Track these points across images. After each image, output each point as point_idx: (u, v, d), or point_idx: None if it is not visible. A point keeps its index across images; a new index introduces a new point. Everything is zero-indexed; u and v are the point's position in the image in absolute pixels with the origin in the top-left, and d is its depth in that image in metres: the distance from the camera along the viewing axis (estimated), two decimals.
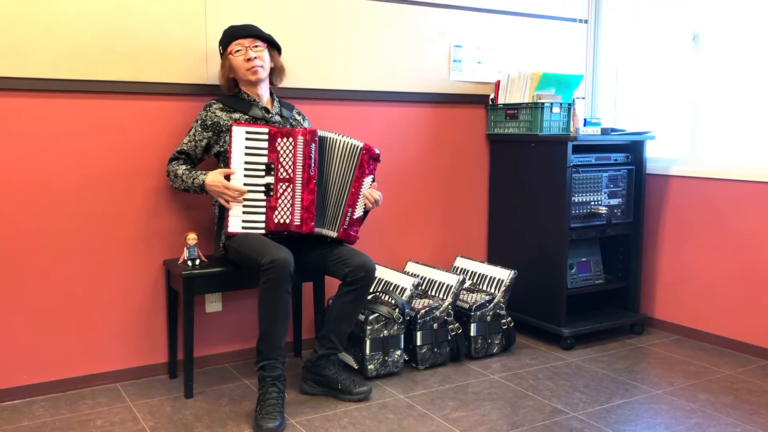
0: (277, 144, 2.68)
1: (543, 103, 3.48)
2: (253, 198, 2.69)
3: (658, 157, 3.79)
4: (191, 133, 2.82)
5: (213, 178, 2.68)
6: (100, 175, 2.87)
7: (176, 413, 2.67)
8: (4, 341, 2.75)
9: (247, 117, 2.82)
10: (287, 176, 2.68)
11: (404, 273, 3.30)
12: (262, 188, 2.69)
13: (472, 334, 3.28)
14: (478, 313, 3.28)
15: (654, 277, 3.83)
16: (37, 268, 2.79)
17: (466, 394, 2.87)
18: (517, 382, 3.01)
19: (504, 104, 3.70)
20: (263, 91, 2.89)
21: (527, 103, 3.56)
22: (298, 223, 2.69)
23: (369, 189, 2.84)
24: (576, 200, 3.48)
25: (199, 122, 2.81)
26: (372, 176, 2.83)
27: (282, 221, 2.68)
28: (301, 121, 3.03)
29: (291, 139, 2.67)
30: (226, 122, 2.78)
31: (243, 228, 2.67)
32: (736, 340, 3.46)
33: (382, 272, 3.35)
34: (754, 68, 3.42)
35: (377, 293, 3.19)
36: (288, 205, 2.68)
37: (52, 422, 2.58)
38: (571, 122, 3.57)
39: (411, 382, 2.99)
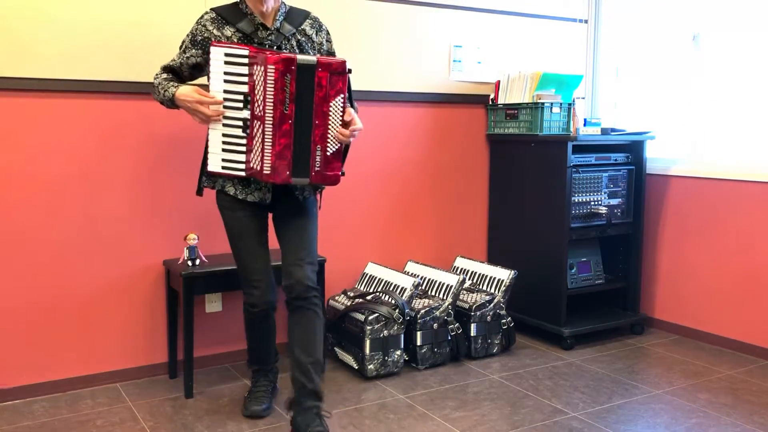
0: (254, 70, 2.26)
1: (543, 103, 3.48)
2: (232, 134, 2.32)
3: (658, 157, 3.79)
4: (181, 49, 2.44)
5: (185, 90, 2.32)
6: (100, 174, 2.87)
7: (176, 413, 2.67)
8: (5, 341, 2.75)
9: (239, 34, 2.38)
10: (259, 113, 2.26)
11: (404, 273, 3.30)
12: (240, 123, 2.31)
13: (472, 334, 3.28)
14: (478, 313, 3.28)
15: (654, 277, 3.83)
16: (37, 268, 2.79)
17: (466, 394, 2.87)
18: (517, 382, 3.01)
19: (504, 104, 3.70)
20: (269, 4, 2.39)
21: (527, 103, 3.56)
22: (269, 172, 2.28)
23: (340, 114, 2.30)
24: (576, 200, 3.49)
25: (190, 37, 2.41)
26: (342, 96, 2.28)
27: (255, 167, 2.30)
28: (313, 36, 2.50)
29: (263, 68, 2.22)
30: (217, 38, 2.37)
31: (223, 168, 2.33)
32: (736, 340, 3.46)
33: (382, 272, 3.35)
34: (754, 68, 3.42)
35: (377, 293, 3.19)
36: (259, 149, 2.28)
37: (52, 422, 2.58)
38: (571, 122, 3.57)
39: (411, 382, 2.99)
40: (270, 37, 2.39)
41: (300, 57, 2.21)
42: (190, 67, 2.43)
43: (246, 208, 2.43)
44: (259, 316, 2.53)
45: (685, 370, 3.18)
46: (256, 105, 2.25)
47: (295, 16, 2.47)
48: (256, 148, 2.27)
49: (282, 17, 2.43)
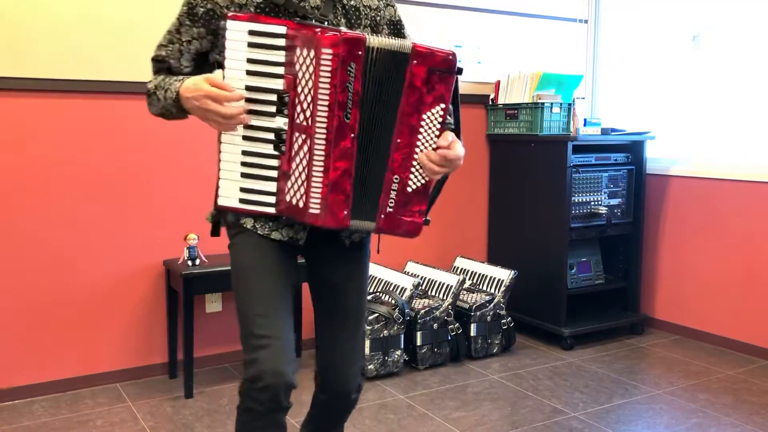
0: (294, 57, 1.48)
1: (543, 103, 3.48)
2: (257, 152, 1.53)
3: (658, 157, 3.79)
4: (172, 28, 1.65)
5: (191, 82, 1.50)
6: (100, 174, 2.87)
7: (176, 413, 2.67)
8: (5, 341, 2.75)
9: (259, 1, 1.56)
10: (304, 121, 1.49)
11: (404, 273, 3.30)
12: (271, 136, 1.52)
13: (472, 334, 3.28)
14: (478, 313, 3.28)
15: (654, 277, 3.83)
16: (37, 268, 2.79)
17: (466, 394, 2.87)
18: (517, 382, 3.01)
19: (504, 104, 3.70)
20: None
21: (527, 103, 3.56)
22: (317, 211, 1.50)
23: (435, 133, 1.53)
24: (576, 200, 3.48)
25: (186, 8, 1.62)
26: (442, 107, 1.52)
27: (294, 202, 1.52)
28: (382, 5, 1.77)
29: (312, 53, 1.45)
30: (227, 8, 1.57)
31: (242, 202, 1.54)
32: (736, 340, 3.46)
33: (382, 272, 3.35)
34: (753, 68, 3.43)
35: (377, 293, 3.19)
36: (303, 176, 1.50)
37: (52, 422, 2.58)
38: (571, 122, 3.57)
39: (411, 382, 2.99)
40: (305, 5, 1.57)
41: (379, 40, 1.46)
42: (191, 57, 1.63)
43: (270, 242, 1.60)
44: (263, 402, 1.51)
45: (686, 371, 3.18)
46: (299, 110, 1.49)
47: None
48: (297, 173, 1.50)
49: None
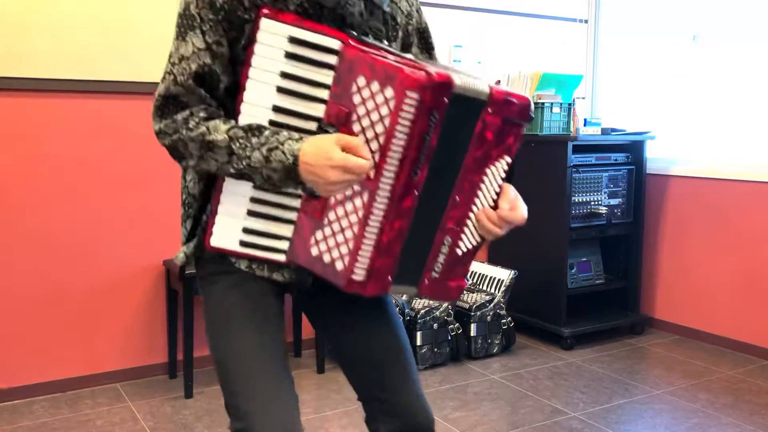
0: (354, 86, 1.16)
1: (543, 103, 3.48)
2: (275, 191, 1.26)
3: (658, 157, 3.79)
4: (196, 32, 1.26)
5: (317, 145, 1.12)
6: (100, 174, 2.87)
7: (176, 413, 2.67)
8: (5, 341, 2.75)
9: None
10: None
11: None
12: None
13: (472, 334, 3.28)
14: (478, 313, 3.28)
15: (654, 277, 3.83)
16: (37, 269, 2.79)
17: (466, 394, 2.87)
18: (517, 382, 3.01)
19: None
20: None
21: None
22: (361, 278, 1.20)
23: (496, 188, 1.35)
24: (576, 200, 3.48)
25: (206, 4, 1.24)
26: (507, 160, 1.36)
27: (325, 259, 1.22)
28: (401, 3, 1.39)
29: (388, 91, 1.12)
30: (253, 3, 1.20)
31: (242, 245, 1.26)
32: (736, 340, 3.45)
33: None
34: (754, 68, 3.43)
35: None
36: (348, 234, 1.19)
37: (52, 422, 2.58)
38: (571, 122, 3.57)
39: None
40: (352, 10, 1.26)
41: (462, 82, 1.16)
42: (223, 70, 1.23)
43: (262, 286, 1.31)
44: None
45: (685, 371, 3.18)
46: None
47: None
48: (338, 227, 1.20)
49: None
